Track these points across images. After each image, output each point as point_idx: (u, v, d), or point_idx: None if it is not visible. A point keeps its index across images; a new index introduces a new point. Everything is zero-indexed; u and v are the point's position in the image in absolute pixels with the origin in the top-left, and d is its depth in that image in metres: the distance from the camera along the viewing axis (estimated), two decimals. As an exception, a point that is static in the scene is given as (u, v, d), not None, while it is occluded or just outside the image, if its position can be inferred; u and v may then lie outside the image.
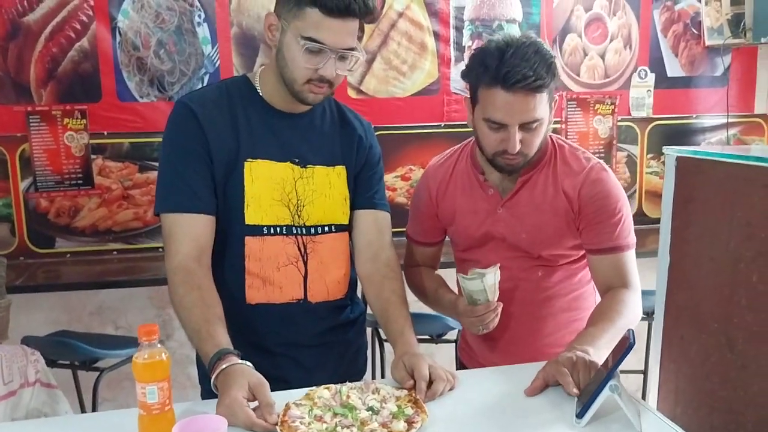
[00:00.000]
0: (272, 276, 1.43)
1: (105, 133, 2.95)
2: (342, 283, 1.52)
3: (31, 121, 2.88)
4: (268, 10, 1.40)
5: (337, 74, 1.37)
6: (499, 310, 1.43)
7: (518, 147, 1.41)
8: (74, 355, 2.44)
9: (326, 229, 1.48)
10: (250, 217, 1.41)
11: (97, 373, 2.47)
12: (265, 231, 1.42)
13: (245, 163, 1.40)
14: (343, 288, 1.53)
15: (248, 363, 1.22)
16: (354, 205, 1.52)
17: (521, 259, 1.55)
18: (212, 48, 3.00)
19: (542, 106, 1.40)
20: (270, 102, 1.44)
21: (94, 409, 2.50)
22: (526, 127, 1.40)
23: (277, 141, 1.43)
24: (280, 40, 1.36)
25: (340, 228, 1.50)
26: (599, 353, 1.27)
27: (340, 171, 1.49)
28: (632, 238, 1.48)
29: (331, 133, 1.50)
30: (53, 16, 2.85)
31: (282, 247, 1.43)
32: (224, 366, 1.20)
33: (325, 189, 1.47)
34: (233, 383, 1.16)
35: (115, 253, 3.01)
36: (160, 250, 2.94)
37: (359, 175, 1.53)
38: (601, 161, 1.55)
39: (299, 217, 1.44)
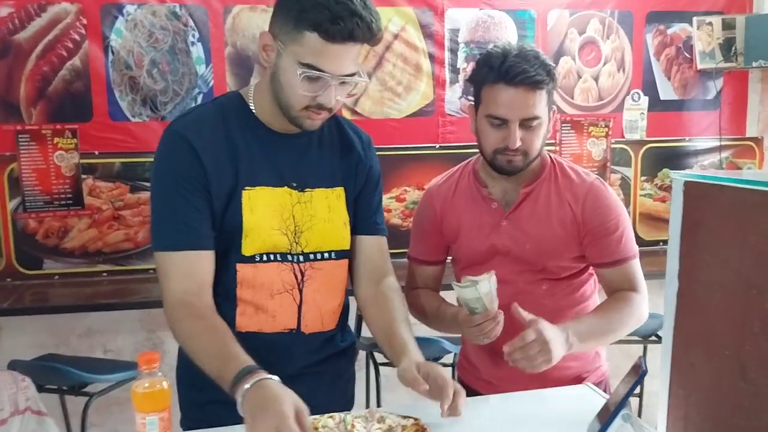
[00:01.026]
0: (266, 304, 1.37)
1: (96, 152, 2.92)
2: (336, 313, 1.47)
3: (20, 140, 2.85)
4: (263, 29, 1.31)
5: (337, 100, 1.29)
6: (500, 318, 1.40)
7: (518, 143, 1.47)
8: (62, 379, 2.39)
9: (326, 255, 1.41)
10: (247, 248, 1.34)
11: (86, 398, 2.41)
12: (257, 258, 1.35)
13: (243, 191, 1.33)
14: (337, 318, 1.48)
15: (277, 378, 1.15)
16: (355, 230, 1.46)
17: (526, 273, 1.57)
18: (206, 68, 2.98)
19: (541, 106, 1.48)
20: (265, 122, 1.37)
21: (81, 436, 2.44)
22: (526, 124, 1.47)
23: (274, 165, 1.36)
24: (275, 63, 1.28)
25: (340, 255, 1.44)
26: (575, 334, 1.41)
27: (340, 193, 1.43)
28: (635, 247, 1.58)
29: (330, 153, 1.44)
30: (44, 34, 2.84)
31: (277, 273, 1.37)
32: (256, 379, 1.11)
33: (324, 213, 1.41)
34: (277, 397, 1.08)
35: (104, 274, 2.96)
36: (151, 271, 2.90)
37: (359, 198, 1.47)
38: (599, 176, 1.62)
39: (297, 244, 1.38)
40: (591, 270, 1.63)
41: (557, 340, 1.36)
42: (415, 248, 1.72)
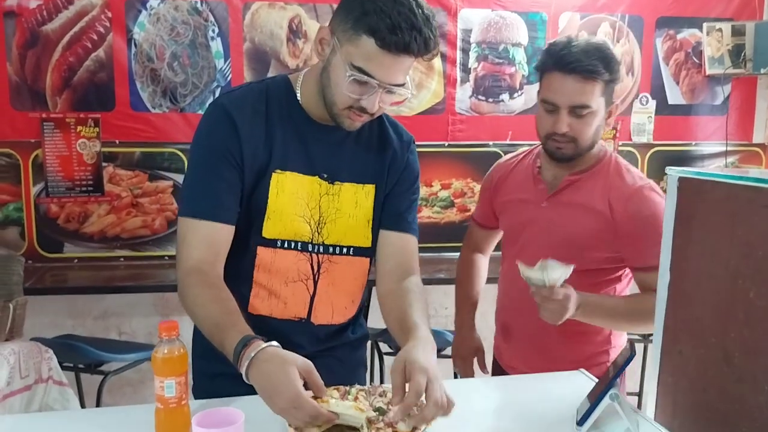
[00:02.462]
0: (279, 290, 1.39)
1: (117, 141, 3.01)
2: (349, 309, 1.47)
3: (45, 127, 2.94)
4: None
5: (380, 107, 1.29)
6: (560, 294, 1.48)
7: (565, 129, 1.56)
8: (79, 357, 2.47)
9: (345, 250, 1.41)
10: (268, 231, 1.36)
11: (101, 377, 2.50)
12: (278, 244, 1.37)
13: (273, 174, 1.34)
14: (348, 314, 1.48)
15: (276, 343, 1.15)
16: (383, 225, 1.44)
17: (548, 258, 1.60)
18: (224, 62, 3.06)
19: (594, 96, 1.55)
20: (307, 110, 1.37)
21: (96, 413, 2.53)
22: (576, 112, 1.56)
23: (308, 154, 1.37)
24: (328, 58, 1.28)
25: (359, 252, 1.43)
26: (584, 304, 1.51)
27: (369, 190, 1.43)
28: None
29: (366, 149, 1.42)
30: (71, 26, 2.93)
31: (294, 262, 1.38)
32: (254, 353, 1.11)
33: (350, 209, 1.40)
34: (282, 373, 1.08)
35: (122, 259, 3.05)
36: (167, 258, 3.00)
37: (391, 194, 1.45)
38: (652, 184, 1.65)
39: (319, 234, 1.39)
40: (624, 273, 1.68)
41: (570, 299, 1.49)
42: (476, 210, 1.96)
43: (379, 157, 1.44)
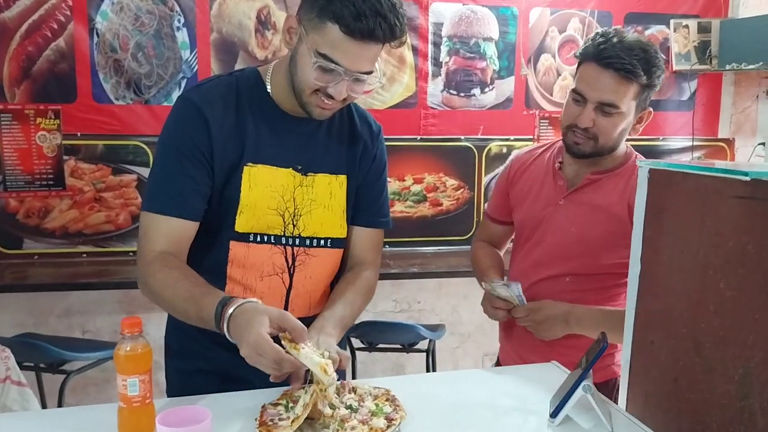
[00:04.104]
0: (254, 285, 1.37)
1: (78, 134, 2.93)
2: (324, 299, 1.46)
3: (2, 119, 2.85)
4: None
5: (350, 96, 1.28)
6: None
7: (588, 124, 1.50)
8: (40, 356, 2.40)
9: (322, 242, 1.42)
10: (241, 225, 1.35)
11: (63, 377, 2.43)
12: (252, 238, 1.36)
13: (245, 167, 1.33)
14: (324, 304, 1.46)
15: (255, 299, 1.19)
16: (353, 220, 1.47)
17: (557, 259, 1.63)
18: (191, 53, 3.00)
19: (625, 97, 1.49)
20: (278, 102, 1.37)
21: (58, 413, 2.45)
22: (603, 109, 1.50)
23: (281, 146, 1.36)
24: (296, 47, 1.28)
25: (335, 243, 1.44)
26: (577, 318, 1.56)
27: (342, 180, 1.43)
28: None
29: (338, 139, 1.42)
30: (30, 14, 2.84)
31: (269, 256, 1.37)
32: (232, 309, 1.14)
33: (325, 199, 1.41)
34: (252, 321, 1.11)
35: (84, 255, 2.97)
36: (131, 254, 2.92)
37: (362, 187, 1.46)
38: None
39: (294, 227, 1.38)
40: None
41: (556, 318, 1.54)
42: (489, 204, 1.88)
43: (351, 149, 1.44)
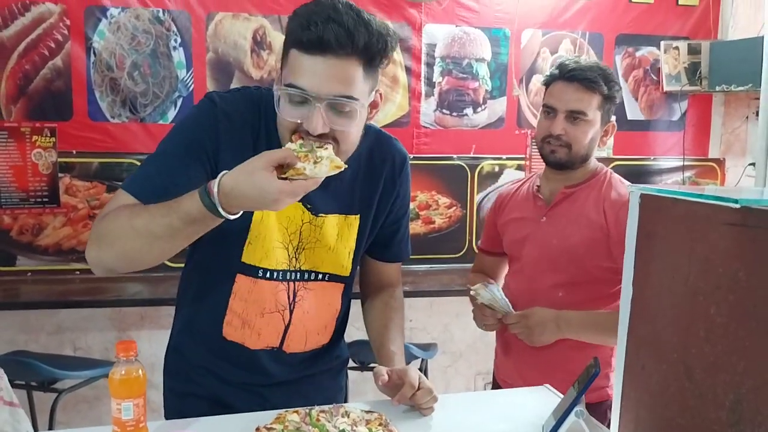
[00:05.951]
0: (254, 321, 1.33)
1: (74, 152, 2.93)
2: (321, 335, 1.42)
3: (-2, 136, 2.84)
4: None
5: (333, 129, 1.13)
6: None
7: (560, 131, 1.65)
8: (31, 374, 2.38)
9: (320, 276, 1.36)
10: (248, 256, 1.29)
11: (54, 395, 2.41)
12: (260, 274, 1.30)
13: None
14: (322, 340, 1.43)
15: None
16: (371, 253, 1.46)
17: (547, 272, 1.72)
18: (187, 72, 3.02)
19: (591, 106, 1.67)
20: None
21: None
22: (571, 117, 1.67)
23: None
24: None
25: (334, 278, 1.39)
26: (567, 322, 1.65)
27: (353, 221, 1.36)
28: None
29: (352, 178, 1.31)
30: (27, 33, 2.85)
31: (273, 293, 1.32)
32: (219, 179, 1.04)
33: (331, 241, 1.34)
34: (249, 163, 1.03)
35: (77, 273, 2.95)
36: (125, 271, 2.92)
37: (384, 229, 1.42)
38: None
39: (296, 260, 1.33)
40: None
41: (546, 323, 1.64)
42: (482, 239, 2.04)
43: (367, 188, 1.35)
